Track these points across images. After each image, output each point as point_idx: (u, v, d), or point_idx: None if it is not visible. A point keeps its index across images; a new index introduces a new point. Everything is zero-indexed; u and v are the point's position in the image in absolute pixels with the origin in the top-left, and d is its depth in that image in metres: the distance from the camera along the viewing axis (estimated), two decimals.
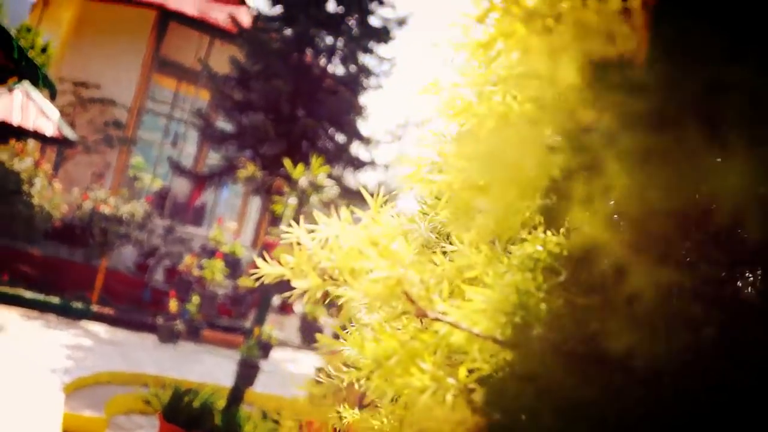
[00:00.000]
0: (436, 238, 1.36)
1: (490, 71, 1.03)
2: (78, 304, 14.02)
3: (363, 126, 18.09)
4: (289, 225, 1.15)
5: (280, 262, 1.14)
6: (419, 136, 1.39)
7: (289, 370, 14.51)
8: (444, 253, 1.20)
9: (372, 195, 1.11)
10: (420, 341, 0.97)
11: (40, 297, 13.54)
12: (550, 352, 0.88)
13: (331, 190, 9.65)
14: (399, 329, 1.09)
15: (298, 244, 1.13)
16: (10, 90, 13.98)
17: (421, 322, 1.06)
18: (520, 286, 0.93)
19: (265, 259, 1.17)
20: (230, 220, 21.09)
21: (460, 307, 0.94)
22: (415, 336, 0.98)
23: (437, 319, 0.95)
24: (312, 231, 1.12)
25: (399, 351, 0.96)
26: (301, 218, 1.16)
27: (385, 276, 0.93)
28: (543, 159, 0.88)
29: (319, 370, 10.28)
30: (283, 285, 1.22)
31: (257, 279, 1.17)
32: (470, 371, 0.95)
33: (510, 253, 1.03)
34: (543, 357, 0.88)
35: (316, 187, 9.08)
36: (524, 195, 0.93)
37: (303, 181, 9.02)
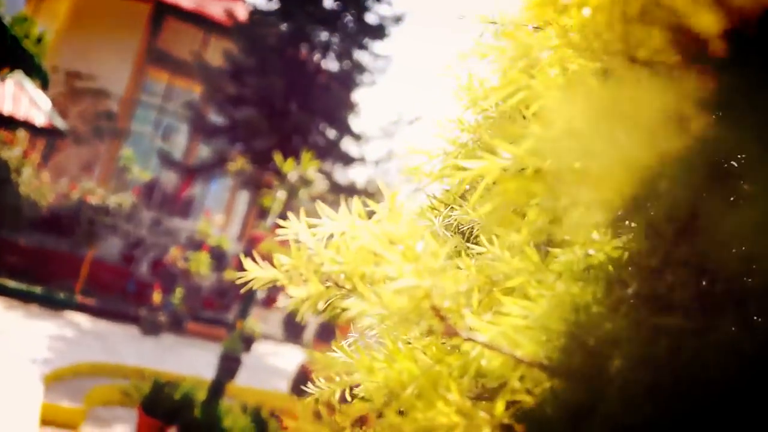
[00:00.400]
0: (452, 237, 1.15)
1: (543, 38, 0.81)
2: (61, 294, 13.92)
3: (355, 122, 18.08)
4: (286, 218, 0.95)
5: (272, 263, 0.94)
6: (435, 122, 1.23)
7: (272, 364, 14.46)
8: (468, 255, 0.98)
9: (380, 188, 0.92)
10: (444, 365, 0.77)
11: (23, 286, 13.42)
12: (622, 384, 0.68)
13: (321, 185, 9.61)
14: (410, 343, 0.88)
15: (296, 241, 0.92)
16: (3, 79, 13.89)
17: (441, 339, 0.83)
18: (577, 300, 0.73)
19: (253, 258, 0.97)
20: (218, 213, 21.03)
21: (497, 323, 0.74)
22: (439, 358, 0.78)
23: (470, 339, 0.74)
24: (313, 226, 0.91)
25: (419, 377, 0.76)
26: (301, 211, 0.95)
27: (412, 286, 0.72)
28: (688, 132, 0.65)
29: (304, 375, 10.22)
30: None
31: (244, 283, 0.97)
32: (508, 404, 0.76)
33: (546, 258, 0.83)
34: (615, 391, 0.68)
35: (306, 182, 9.02)
36: (638, 182, 0.68)
37: (293, 176, 8.96)
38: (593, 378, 0.69)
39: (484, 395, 0.79)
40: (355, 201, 0.88)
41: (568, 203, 0.69)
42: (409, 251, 0.75)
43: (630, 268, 0.75)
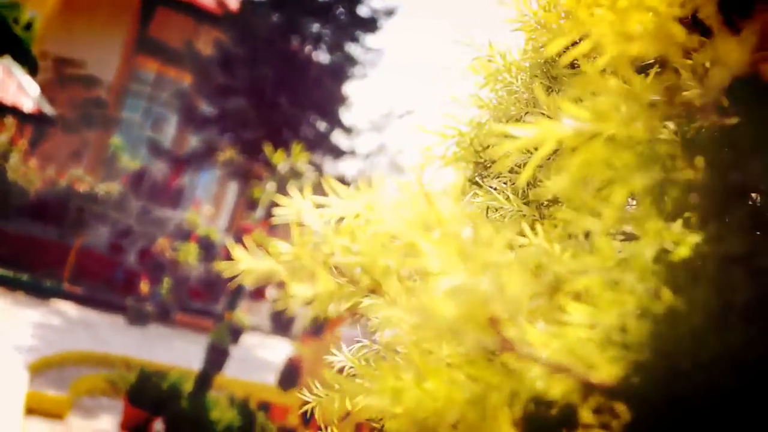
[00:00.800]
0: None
1: None
2: (48, 283, 13.79)
3: (345, 115, 18.03)
4: (287, 194, 0.73)
5: (268, 251, 0.72)
6: (451, 97, 1.08)
7: (260, 356, 14.38)
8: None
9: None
10: (493, 389, 0.55)
11: (9, 274, 13.27)
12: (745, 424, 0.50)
13: (311, 177, 9.55)
14: (431, 353, 0.65)
15: (298, 225, 0.70)
16: None
17: (488, 354, 0.60)
18: (677, 309, 0.53)
19: (243, 246, 0.75)
20: (207, 204, 20.93)
21: (559, 336, 0.54)
22: (486, 380, 0.56)
23: (529, 357, 0.54)
24: (321, 206, 0.70)
25: (461, 404, 0.55)
26: (306, 188, 0.73)
27: (466, 287, 0.52)
28: None
29: (292, 368, 10.15)
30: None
31: (234, 276, 0.76)
32: None
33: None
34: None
35: (296, 174, 8.95)
36: None
37: (283, 167, 8.90)
38: (699, 413, 0.51)
39: (540, 428, 0.58)
40: (377, 176, 0.68)
41: (663, 180, 0.53)
42: (454, 240, 0.55)
43: (738, 268, 0.55)
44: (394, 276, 0.61)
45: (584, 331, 0.55)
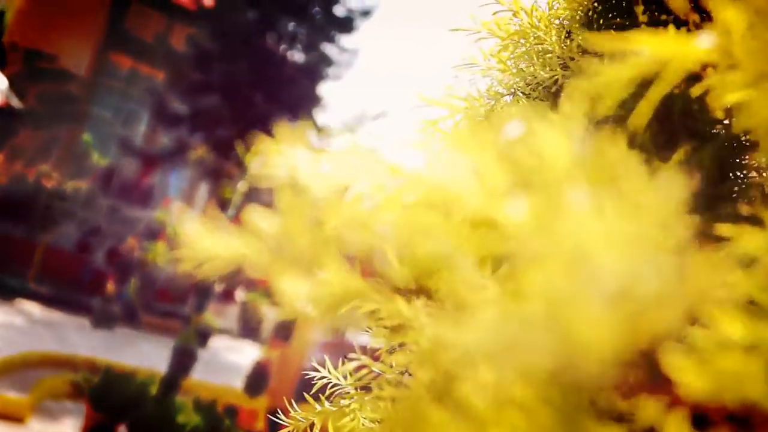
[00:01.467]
0: None
1: None
2: (13, 281, 13.52)
3: (319, 115, 17.95)
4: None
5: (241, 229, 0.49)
6: (469, 57, 0.90)
7: (228, 360, 14.19)
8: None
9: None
10: None
11: None
12: None
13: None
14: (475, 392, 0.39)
15: (291, 187, 0.47)
16: None
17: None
18: None
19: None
20: (178, 203, 20.73)
21: (709, 364, 0.31)
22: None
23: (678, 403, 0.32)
24: (324, 165, 0.46)
25: None
26: (305, 135, 0.52)
27: (624, 284, 0.30)
28: None
29: (259, 372, 9.96)
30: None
31: (198, 265, 0.52)
32: None
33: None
34: None
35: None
36: None
37: (255, 167, 8.75)
38: None
39: None
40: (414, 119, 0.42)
41: None
42: (559, 213, 0.32)
43: None
44: (459, 270, 0.35)
45: (738, 361, 0.33)
